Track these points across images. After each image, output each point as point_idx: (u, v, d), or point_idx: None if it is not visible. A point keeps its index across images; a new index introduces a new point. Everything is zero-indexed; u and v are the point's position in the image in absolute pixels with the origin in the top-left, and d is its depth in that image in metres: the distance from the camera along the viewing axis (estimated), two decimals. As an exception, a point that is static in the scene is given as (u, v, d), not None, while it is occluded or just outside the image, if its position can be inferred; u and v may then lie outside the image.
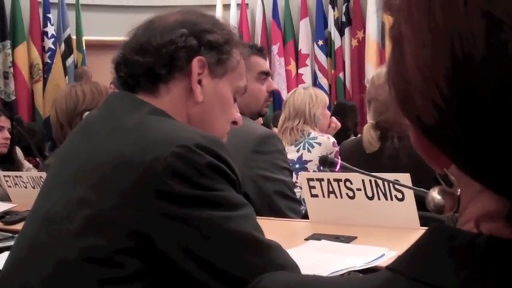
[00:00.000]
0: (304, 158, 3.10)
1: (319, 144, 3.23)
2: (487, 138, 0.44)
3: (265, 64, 2.46)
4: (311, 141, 3.23)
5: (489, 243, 0.47)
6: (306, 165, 3.08)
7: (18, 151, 4.02)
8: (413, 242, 0.53)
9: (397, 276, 0.51)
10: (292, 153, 3.22)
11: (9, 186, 3.01)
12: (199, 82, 1.27)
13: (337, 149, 3.26)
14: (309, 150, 3.16)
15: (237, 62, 1.34)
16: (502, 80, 0.42)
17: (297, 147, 3.23)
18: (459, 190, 0.54)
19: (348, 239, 1.77)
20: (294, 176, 2.47)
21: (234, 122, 1.39)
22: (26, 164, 3.96)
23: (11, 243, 2.07)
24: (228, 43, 1.32)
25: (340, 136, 5.36)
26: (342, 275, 1.46)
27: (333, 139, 3.37)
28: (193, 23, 1.29)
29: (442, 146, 0.48)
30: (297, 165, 3.21)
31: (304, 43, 9.44)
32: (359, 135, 3.65)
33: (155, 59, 1.25)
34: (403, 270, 0.51)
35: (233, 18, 9.18)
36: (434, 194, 0.58)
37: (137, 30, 1.31)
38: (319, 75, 9.39)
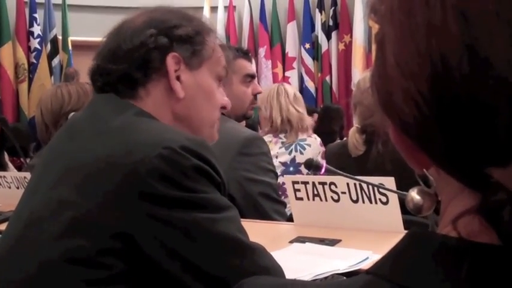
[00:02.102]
0: (298, 160, 3.11)
1: (309, 145, 3.24)
2: (464, 136, 0.45)
3: (250, 67, 2.46)
4: (302, 143, 3.24)
5: (458, 246, 0.48)
6: (300, 168, 3.08)
7: (5, 154, 3.98)
8: (393, 247, 0.54)
9: (378, 280, 0.51)
10: (284, 156, 3.23)
11: (-7, 187, 2.99)
12: (178, 78, 1.27)
13: (323, 148, 3.28)
14: (301, 153, 3.17)
15: (212, 49, 1.33)
16: (478, 79, 0.43)
17: (289, 150, 3.23)
18: (437, 191, 0.55)
19: (332, 242, 1.78)
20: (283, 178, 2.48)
21: (223, 107, 1.39)
22: (11, 166, 3.92)
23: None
24: (199, 33, 1.31)
25: (325, 139, 5.38)
26: (326, 277, 1.47)
27: (318, 138, 3.39)
28: (161, 21, 1.28)
29: (422, 144, 0.49)
30: (291, 168, 3.21)
31: (291, 46, 9.47)
32: (344, 139, 3.67)
33: (129, 64, 1.24)
34: (384, 275, 0.52)
35: (220, 21, 9.18)
36: (414, 194, 0.59)
37: (107, 37, 1.30)
38: (306, 78, 9.41)
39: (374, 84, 0.52)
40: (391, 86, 0.49)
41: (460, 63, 0.43)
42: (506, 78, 0.42)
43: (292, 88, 3.49)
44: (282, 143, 3.25)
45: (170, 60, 1.25)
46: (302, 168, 3.07)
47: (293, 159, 3.21)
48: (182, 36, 1.28)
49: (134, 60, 1.24)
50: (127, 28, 1.28)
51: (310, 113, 7.32)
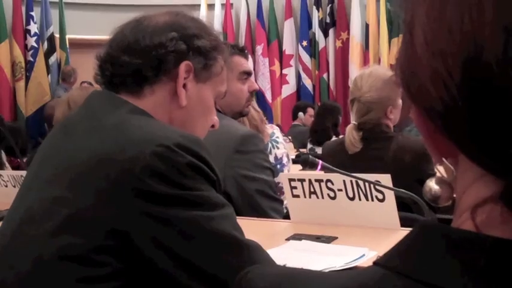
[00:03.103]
0: (278, 155, 3.08)
1: (278, 136, 3.19)
2: (494, 120, 0.44)
3: (246, 64, 2.46)
4: (273, 137, 3.20)
5: (475, 239, 0.46)
6: (283, 162, 3.06)
7: (2, 153, 3.97)
8: (403, 238, 0.52)
9: (388, 272, 0.51)
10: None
11: (-10, 185, 2.98)
12: (184, 86, 1.27)
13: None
14: (277, 148, 3.13)
15: (221, 67, 1.35)
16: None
17: (267, 150, 3.20)
18: (454, 182, 0.53)
19: (328, 239, 1.78)
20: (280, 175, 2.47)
21: (212, 126, 1.40)
22: (7, 166, 3.91)
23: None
24: (215, 49, 1.32)
25: (320, 136, 5.39)
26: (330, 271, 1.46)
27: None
28: (183, 27, 1.29)
29: (447, 127, 0.48)
30: (278, 166, 3.20)
31: (289, 44, 9.48)
32: (341, 136, 3.66)
33: (143, 60, 1.24)
34: (394, 267, 0.51)
35: (217, 18, 9.19)
36: (432, 184, 0.57)
37: (124, 28, 1.30)
38: (303, 75, 9.42)
39: (399, 67, 0.51)
40: (418, 66, 0.48)
41: (495, 46, 0.42)
42: None
43: None
44: None
45: (183, 67, 1.26)
46: (284, 162, 3.04)
47: (275, 157, 3.18)
48: (200, 47, 1.29)
49: (150, 58, 1.24)
50: (147, 25, 1.28)
51: (303, 107, 7.35)
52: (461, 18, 0.44)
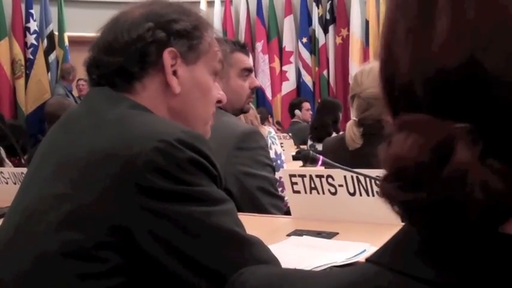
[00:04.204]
0: (278, 151, 3.08)
1: (274, 134, 3.20)
2: None
3: (247, 61, 2.45)
4: (271, 134, 3.21)
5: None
6: (282, 158, 3.06)
7: (1, 150, 3.97)
8: (395, 234, 0.53)
9: (381, 269, 0.51)
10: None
11: (-10, 183, 2.98)
12: (175, 73, 1.26)
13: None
14: (276, 144, 3.14)
15: (209, 44, 1.33)
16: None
17: (268, 146, 3.21)
18: None
19: (329, 235, 1.78)
20: (281, 171, 2.46)
21: (219, 101, 1.39)
22: (8, 162, 3.91)
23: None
24: (197, 28, 1.31)
25: (320, 133, 5.39)
26: (324, 270, 1.47)
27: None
28: (159, 15, 1.27)
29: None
30: (279, 161, 3.20)
31: (288, 40, 9.48)
32: (341, 132, 3.66)
33: (125, 57, 1.23)
34: (384, 263, 0.51)
35: (217, 15, 9.18)
36: None
37: (104, 29, 1.29)
38: (303, 72, 9.42)
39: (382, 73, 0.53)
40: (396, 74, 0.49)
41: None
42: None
43: None
44: None
45: (167, 55, 1.25)
46: (284, 158, 3.04)
47: (275, 153, 3.19)
48: (180, 30, 1.27)
49: (131, 54, 1.23)
50: (124, 20, 1.27)
51: (298, 103, 7.36)
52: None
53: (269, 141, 2.79)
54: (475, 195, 0.42)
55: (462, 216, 0.44)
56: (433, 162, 0.44)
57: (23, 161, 3.53)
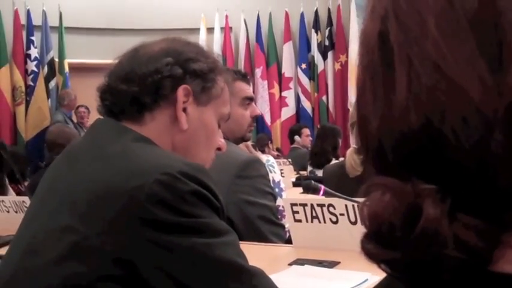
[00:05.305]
0: (276, 179, 3.08)
1: (272, 162, 3.20)
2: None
3: (249, 90, 2.47)
4: (269, 163, 3.20)
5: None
6: (281, 186, 3.06)
7: (5, 178, 3.95)
8: (385, 276, 0.54)
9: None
10: None
11: (-9, 211, 2.98)
12: (184, 110, 1.28)
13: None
14: (274, 172, 3.14)
15: (221, 89, 1.36)
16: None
17: None
18: None
19: (331, 264, 1.78)
20: (279, 200, 2.46)
21: (218, 149, 1.40)
22: (11, 191, 3.90)
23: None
24: (213, 71, 1.33)
25: (320, 159, 5.39)
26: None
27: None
28: (178, 52, 1.30)
29: None
30: (276, 189, 3.19)
31: (288, 66, 9.52)
32: (341, 159, 3.67)
33: (140, 88, 1.26)
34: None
35: (217, 42, 9.23)
36: None
37: (122, 58, 1.31)
38: (303, 98, 9.45)
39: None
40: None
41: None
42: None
43: None
44: None
45: (181, 91, 1.27)
46: (282, 186, 3.04)
47: (273, 180, 3.18)
48: (196, 70, 1.30)
49: (146, 85, 1.26)
50: (144, 53, 1.30)
51: (297, 129, 7.36)
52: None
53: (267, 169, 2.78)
54: (447, 252, 0.43)
55: (437, 273, 0.44)
56: (404, 224, 0.44)
57: (22, 188, 3.52)
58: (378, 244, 0.47)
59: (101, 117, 1.32)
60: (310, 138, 7.32)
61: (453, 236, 0.42)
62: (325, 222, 2.01)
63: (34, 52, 8.45)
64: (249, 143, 2.83)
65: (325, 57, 9.49)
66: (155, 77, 1.26)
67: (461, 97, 0.42)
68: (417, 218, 0.43)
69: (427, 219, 0.43)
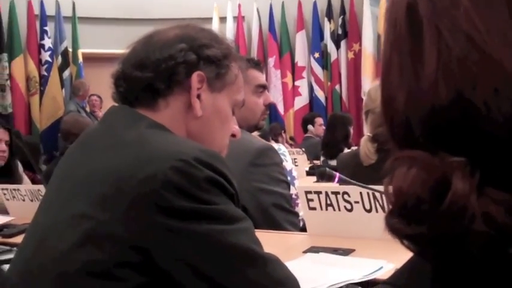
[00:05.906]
0: (287, 168, 3.08)
1: (284, 151, 3.19)
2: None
3: (262, 77, 2.47)
4: (280, 151, 3.19)
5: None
6: (293, 174, 3.05)
7: (19, 164, 3.98)
8: (409, 259, 0.53)
9: None
10: None
11: (7, 199, 3.01)
12: (198, 97, 1.28)
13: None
14: (286, 161, 3.13)
15: (235, 75, 1.35)
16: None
17: None
18: None
19: (346, 252, 1.77)
20: (292, 188, 2.46)
21: (233, 135, 1.40)
22: (26, 179, 3.93)
23: (10, 256, 2.07)
24: (227, 57, 1.33)
25: (331, 149, 5.37)
26: (341, 287, 1.46)
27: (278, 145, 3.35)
28: (193, 38, 1.30)
29: None
30: (289, 178, 3.18)
31: (301, 55, 9.48)
32: (355, 148, 3.65)
33: (154, 74, 1.25)
34: (401, 286, 0.51)
35: (229, 31, 9.21)
36: None
37: (136, 45, 1.31)
38: (316, 87, 9.42)
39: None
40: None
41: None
42: None
43: None
44: None
45: (195, 78, 1.27)
46: (294, 174, 3.04)
47: (284, 170, 3.17)
48: (210, 56, 1.29)
49: (160, 71, 1.25)
50: (158, 39, 1.29)
51: (311, 119, 7.35)
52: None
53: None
54: (475, 227, 0.42)
55: (464, 248, 0.44)
56: (432, 197, 0.44)
57: (39, 176, 3.55)
58: (403, 219, 0.46)
59: (115, 104, 1.32)
60: (324, 127, 7.30)
61: (481, 211, 0.42)
62: (339, 210, 2.01)
63: (48, 42, 8.48)
64: (256, 133, 2.82)
65: (338, 46, 9.44)
66: (169, 63, 1.25)
67: (493, 68, 0.42)
68: (445, 192, 0.43)
69: (455, 194, 0.42)
